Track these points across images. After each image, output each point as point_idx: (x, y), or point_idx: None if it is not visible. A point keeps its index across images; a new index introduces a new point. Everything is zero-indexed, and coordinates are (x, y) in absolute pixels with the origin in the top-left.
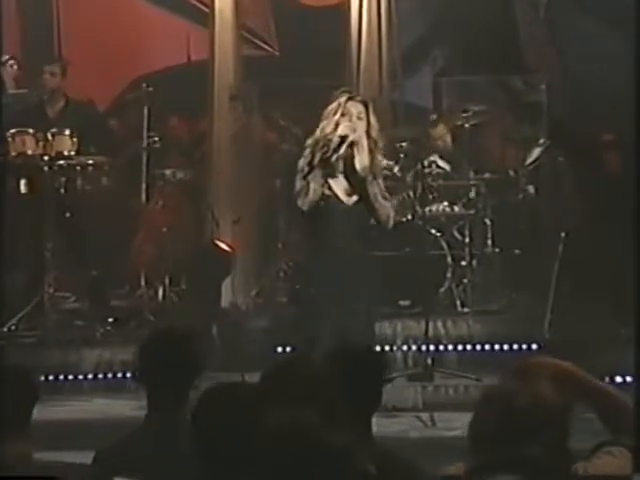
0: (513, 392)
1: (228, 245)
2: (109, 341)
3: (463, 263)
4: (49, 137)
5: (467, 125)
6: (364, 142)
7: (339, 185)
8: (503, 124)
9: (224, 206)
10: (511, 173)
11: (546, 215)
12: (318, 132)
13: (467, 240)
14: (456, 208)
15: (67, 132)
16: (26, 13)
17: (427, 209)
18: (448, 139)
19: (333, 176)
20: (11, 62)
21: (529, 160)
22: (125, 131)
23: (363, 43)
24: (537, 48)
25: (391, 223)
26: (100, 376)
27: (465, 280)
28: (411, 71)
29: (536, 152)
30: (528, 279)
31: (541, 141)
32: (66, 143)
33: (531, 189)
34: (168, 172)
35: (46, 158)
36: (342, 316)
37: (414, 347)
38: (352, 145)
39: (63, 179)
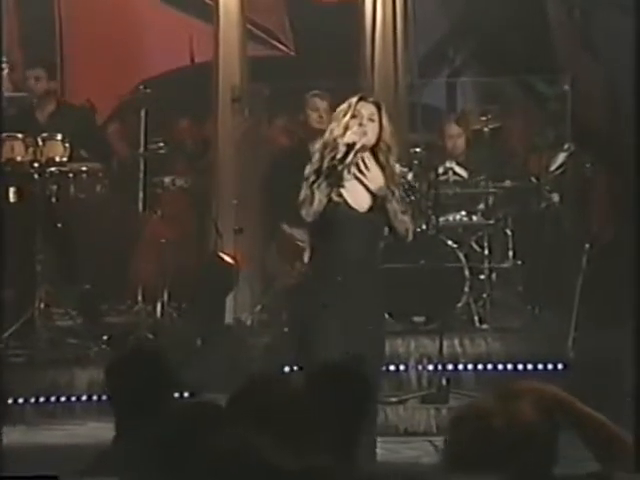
0: (488, 413)
1: (232, 257)
2: (104, 360)
3: (482, 277)
4: (39, 142)
5: (486, 129)
6: (377, 149)
7: (350, 190)
8: (525, 128)
9: (228, 216)
10: (533, 180)
11: (571, 225)
12: (327, 134)
13: (486, 252)
14: (474, 218)
15: (59, 137)
16: (26, 13)
17: (443, 219)
18: (460, 141)
19: (341, 185)
20: (4, 65)
21: (553, 166)
22: (124, 136)
23: (377, 40)
24: (568, 48)
25: (410, 237)
26: (94, 398)
27: (484, 295)
28: (431, 71)
29: (561, 157)
30: (551, 294)
31: (566, 146)
32: (58, 149)
33: (555, 197)
34: (167, 180)
35: (36, 165)
36: (349, 333)
37: (429, 366)
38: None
39: (54, 187)
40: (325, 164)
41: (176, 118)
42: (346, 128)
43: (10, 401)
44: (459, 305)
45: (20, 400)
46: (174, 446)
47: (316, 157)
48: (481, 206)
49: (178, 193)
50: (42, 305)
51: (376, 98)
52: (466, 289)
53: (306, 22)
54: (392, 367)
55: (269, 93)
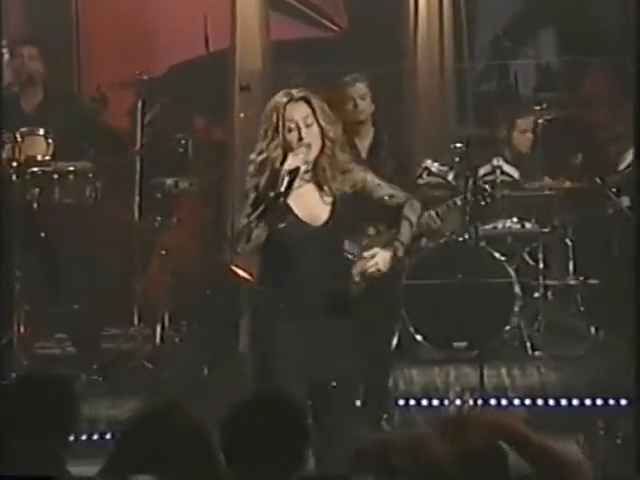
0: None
1: (247, 272)
2: (93, 393)
3: (535, 295)
4: (18, 138)
5: (541, 120)
6: (325, 165)
7: (301, 201)
8: (587, 119)
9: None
10: (598, 181)
11: None
12: (259, 157)
13: (541, 266)
14: (527, 225)
15: (41, 132)
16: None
17: (489, 226)
18: (530, 136)
19: (283, 218)
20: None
21: (622, 165)
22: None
23: (421, 18)
24: None
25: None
26: (84, 437)
27: (538, 316)
28: (486, 53)
29: (631, 154)
30: (618, 316)
31: None
32: (40, 146)
33: (625, 201)
34: (169, 181)
35: (15, 164)
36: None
37: (471, 401)
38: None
39: (36, 190)
40: (263, 196)
41: (191, 111)
42: (285, 149)
43: None
44: (507, 328)
45: None
46: None
47: (250, 184)
48: (535, 211)
49: (182, 197)
50: (22, 329)
51: (304, 91)
52: (516, 309)
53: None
54: (425, 401)
55: (303, 80)
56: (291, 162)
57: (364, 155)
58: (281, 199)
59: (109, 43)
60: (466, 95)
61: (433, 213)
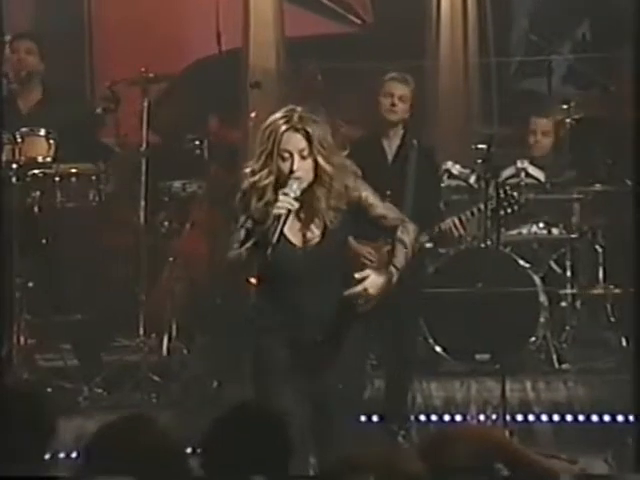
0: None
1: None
2: (95, 408)
3: (563, 304)
4: (18, 139)
5: (569, 120)
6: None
7: (292, 225)
8: (618, 118)
9: None
10: (629, 183)
11: None
12: (251, 165)
13: (568, 274)
14: (554, 230)
15: (42, 132)
16: None
17: (513, 231)
18: (551, 136)
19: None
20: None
21: None
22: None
23: (443, 13)
24: None
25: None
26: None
27: (565, 327)
28: (515, 49)
29: None
30: None
31: None
32: (41, 147)
33: None
34: (177, 184)
35: (14, 166)
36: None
37: (494, 416)
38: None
39: (37, 193)
40: (253, 229)
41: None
42: (277, 176)
43: None
44: (533, 340)
45: None
46: None
47: (240, 221)
48: (563, 216)
49: (190, 200)
50: (22, 339)
51: (306, 120)
52: (542, 320)
53: None
54: (448, 417)
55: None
56: (281, 204)
57: (390, 158)
58: (274, 237)
59: (121, 42)
60: (490, 93)
61: (457, 220)
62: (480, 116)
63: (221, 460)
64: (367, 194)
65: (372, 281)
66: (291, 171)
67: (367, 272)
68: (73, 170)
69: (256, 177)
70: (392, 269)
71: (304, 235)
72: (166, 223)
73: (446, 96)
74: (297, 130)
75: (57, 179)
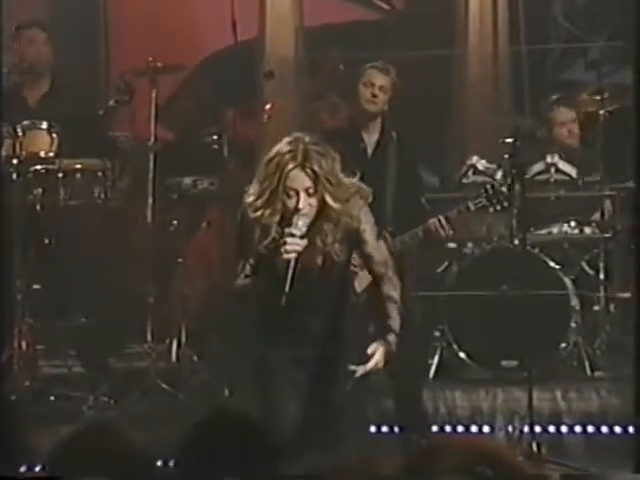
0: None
1: None
2: (100, 417)
3: (596, 308)
4: (18, 132)
5: (602, 112)
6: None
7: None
8: None
9: None
10: None
11: None
12: (254, 202)
13: (601, 276)
14: (586, 230)
15: (44, 125)
16: None
17: (543, 231)
18: (575, 129)
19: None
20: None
21: None
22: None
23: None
24: None
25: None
26: None
27: (600, 333)
28: (546, 37)
29: None
30: None
31: None
32: (43, 141)
33: None
34: (188, 181)
35: (15, 162)
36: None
37: (523, 427)
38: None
39: (39, 190)
40: (259, 262)
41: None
42: (282, 213)
43: None
44: (563, 346)
45: None
46: None
47: (245, 254)
48: (595, 215)
49: (202, 198)
50: (24, 344)
51: (313, 156)
52: (573, 324)
53: None
54: (475, 428)
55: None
56: (290, 247)
57: (370, 151)
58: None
59: (137, 33)
60: (521, 83)
61: (443, 219)
62: (507, 108)
63: (196, 468)
64: (365, 228)
65: (380, 355)
66: (297, 209)
67: (374, 346)
68: (77, 166)
69: (259, 213)
70: (391, 338)
71: (310, 267)
72: (174, 222)
73: (474, 86)
74: (303, 168)
75: (60, 175)
